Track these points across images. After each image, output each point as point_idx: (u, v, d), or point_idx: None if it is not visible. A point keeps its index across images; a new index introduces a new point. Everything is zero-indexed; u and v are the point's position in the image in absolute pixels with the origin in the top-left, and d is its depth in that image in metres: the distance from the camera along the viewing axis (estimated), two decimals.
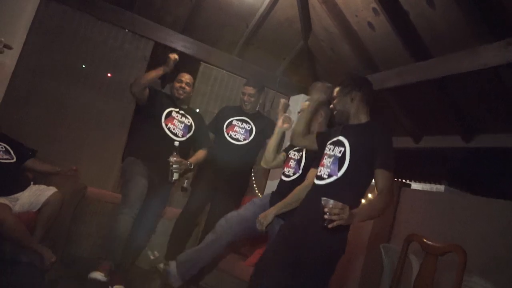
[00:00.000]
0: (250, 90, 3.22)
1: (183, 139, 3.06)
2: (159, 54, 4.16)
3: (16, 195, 2.82)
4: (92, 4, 3.80)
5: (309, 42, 4.25)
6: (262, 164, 2.89)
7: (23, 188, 2.88)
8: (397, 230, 3.47)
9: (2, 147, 2.92)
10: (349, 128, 2.07)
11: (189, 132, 3.13)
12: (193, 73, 4.25)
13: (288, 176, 2.64)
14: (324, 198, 1.71)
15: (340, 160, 1.95)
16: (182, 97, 3.14)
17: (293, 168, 2.64)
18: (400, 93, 3.73)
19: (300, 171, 2.58)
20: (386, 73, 3.46)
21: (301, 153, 2.65)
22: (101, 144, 3.82)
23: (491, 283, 2.55)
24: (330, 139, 2.12)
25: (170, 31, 4.13)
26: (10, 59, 3.37)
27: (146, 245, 3.16)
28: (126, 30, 3.97)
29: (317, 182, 2.03)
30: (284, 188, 2.56)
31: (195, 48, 4.26)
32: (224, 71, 4.43)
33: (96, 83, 3.92)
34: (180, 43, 4.19)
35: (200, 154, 3.15)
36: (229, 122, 3.20)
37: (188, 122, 3.14)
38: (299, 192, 2.31)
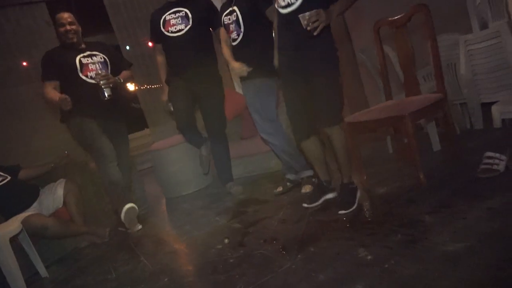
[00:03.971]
0: None
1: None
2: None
3: (35, 204, 2.88)
4: None
5: None
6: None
7: (36, 195, 2.93)
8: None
9: None
10: None
11: (107, 66, 2.99)
12: (101, 9, 4.00)
13: (235, 40, 2.65)
14: (300, 14, 1.88)
15: None
16: (75, 39, 2.89)
17: (236, 30, 2.62)
18: None
19: (243, 29, 2.59)
20: None
21: (234, 13, 2.61)
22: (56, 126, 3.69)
23: (454, 33, 2.88)
24: None
25: None
26: None
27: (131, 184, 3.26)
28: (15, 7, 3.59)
29: (281, 11, 2.12)
30: (237, 53, 2.66)
31: None
32: None
33: (19, 75, 3.68)
34: None
35: (124, 73, 3.08)
36: (163, 21, 2.94)
37: (101, 58, 2.97)
38: None
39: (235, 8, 2.61)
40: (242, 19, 2.58)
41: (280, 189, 2.76)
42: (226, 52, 2.71)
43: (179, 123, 3.02)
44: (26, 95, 3.75)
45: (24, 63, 3.90)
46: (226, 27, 2.68)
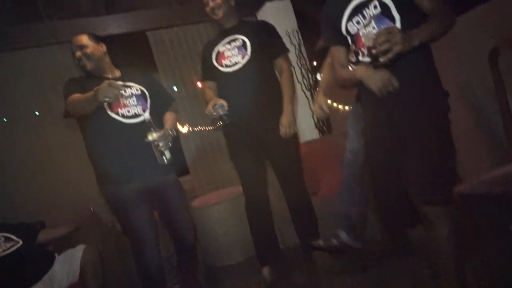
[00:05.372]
0: None
1: (147, 113, 2.22)
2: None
3: (46, 277, 2.38)
4: None
5: None
6: None
7: (49, 265, 2.42)
8: None
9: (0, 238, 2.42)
10: None
11: (146, 100, 2.27)
12: (146, 48, 3.68)
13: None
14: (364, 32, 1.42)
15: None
16: (89, 66, 2.16)
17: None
18: None
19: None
20: None
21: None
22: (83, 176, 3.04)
23: None
24: None
25: (95, 18, 3.51)
26: None
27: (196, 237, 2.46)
28: (48, 44, 3.36)
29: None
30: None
31: (129, 21, 3.62)
32: (175, 28, 3.80)
33: (53, 117, 3.36)
34: (113, 25, 3.57)
35: (170, 117, 2.37)
36: (216, 54, 2.37)
37: (137, 90, 2.25)
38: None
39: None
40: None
41: (320, 242, 2.17)
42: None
43: (249, 199, 2.41)
44: (55, 139, 3.41)
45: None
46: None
